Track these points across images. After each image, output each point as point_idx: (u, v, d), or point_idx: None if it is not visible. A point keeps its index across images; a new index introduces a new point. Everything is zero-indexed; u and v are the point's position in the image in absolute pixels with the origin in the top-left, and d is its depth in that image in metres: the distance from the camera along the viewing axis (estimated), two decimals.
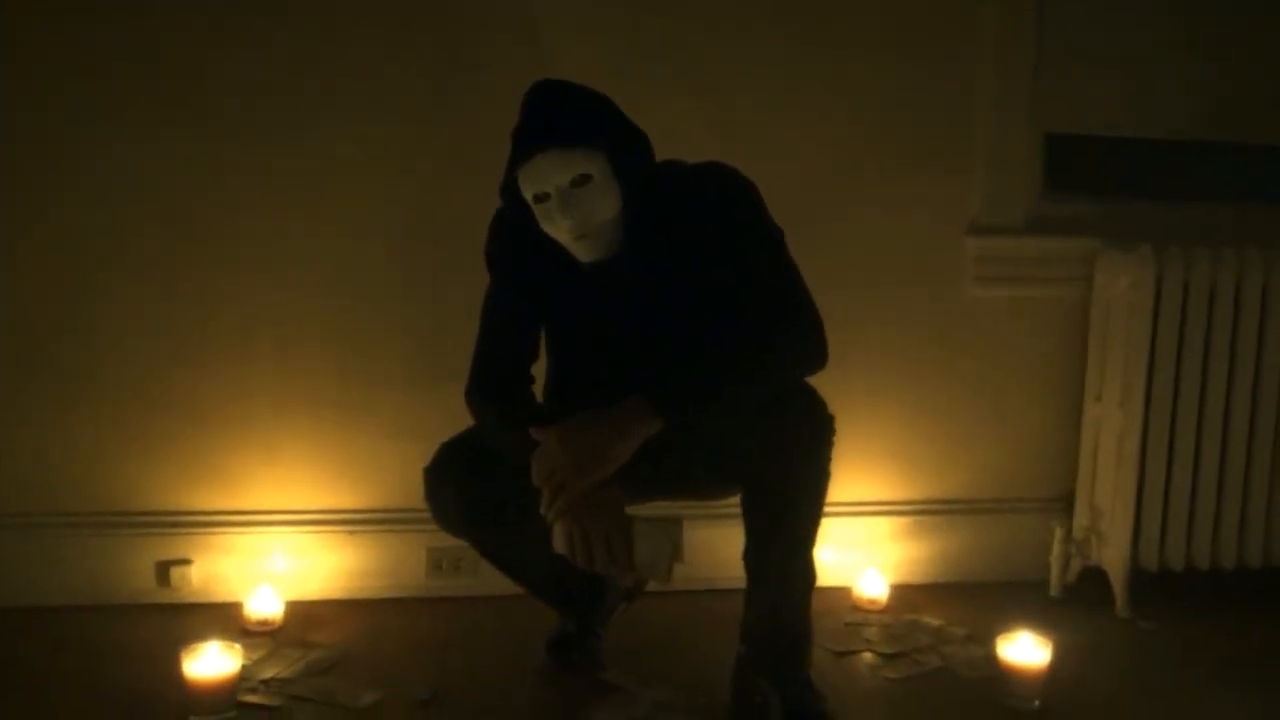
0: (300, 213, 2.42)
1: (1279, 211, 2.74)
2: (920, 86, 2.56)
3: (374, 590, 2.52)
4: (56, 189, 2.36)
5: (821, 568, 1.92)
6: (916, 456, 2.65)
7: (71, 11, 2.31)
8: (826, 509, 1.85)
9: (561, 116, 1.70)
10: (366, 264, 2.45)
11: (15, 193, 2.36)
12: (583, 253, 1.76)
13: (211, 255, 2.41)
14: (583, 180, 1.69)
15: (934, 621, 2.42)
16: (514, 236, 1.85)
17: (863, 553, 2.58)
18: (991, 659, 2.15)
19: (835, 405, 1.81)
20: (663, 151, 1.83)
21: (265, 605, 2.35)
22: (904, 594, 2.56)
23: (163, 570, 2.46)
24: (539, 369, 1.98)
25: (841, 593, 2.52)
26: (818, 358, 1.76)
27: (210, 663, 1.91)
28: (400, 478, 2.48)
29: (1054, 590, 2.60)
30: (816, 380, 1.81)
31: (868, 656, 2.26)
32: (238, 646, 1.96)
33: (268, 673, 2.10)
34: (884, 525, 2.64)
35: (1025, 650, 2.04)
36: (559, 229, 1.73)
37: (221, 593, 2.47)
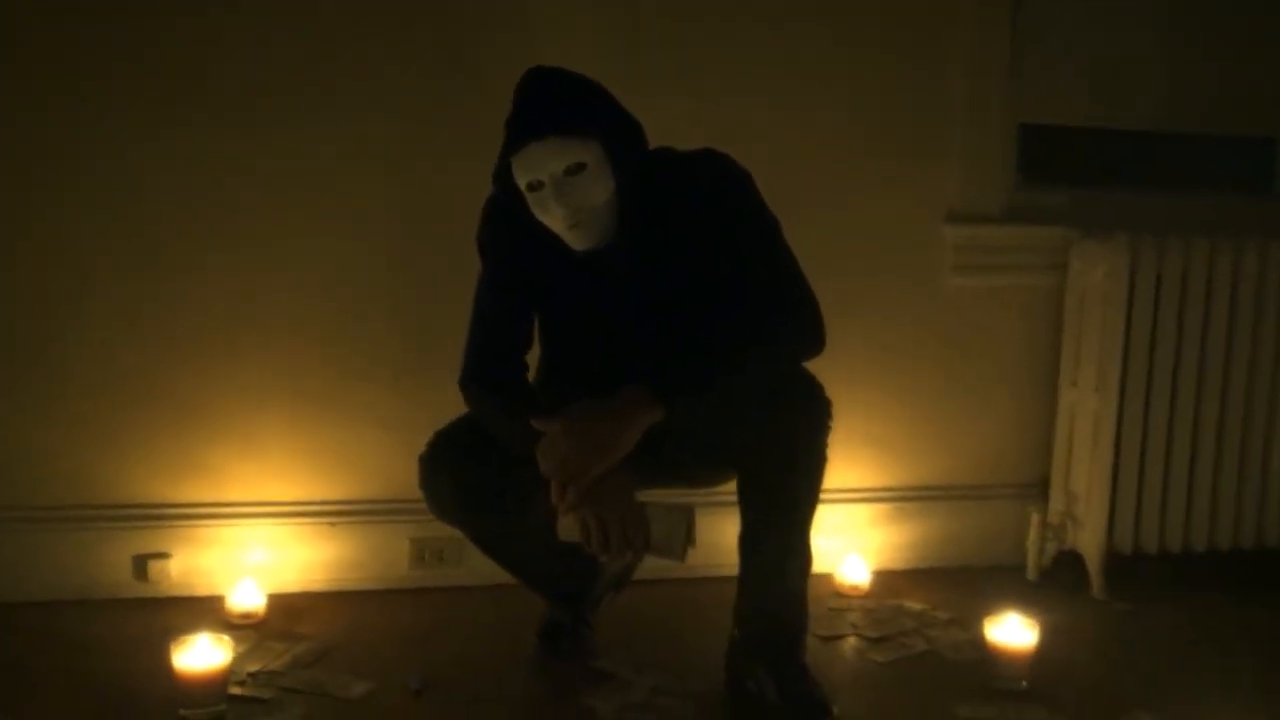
0: (282, 206, 2.39)
1: (1249, 201, 2.80)
2: (898, 78, 2.58)
3: (356, 582, 2.49)
4: (38, 186, 2.32)
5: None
6: (895, 443, 2.68)
7: (68, 11, 2.27)
8: None
9: (555, 104, 1.69)
10: (348, 256, 2.43)
11: None
12: (576, 241, 1.75)
13: (190, 248, 2.37)
14: (577, 169, 1.68)
15: (916, 606, 2.45)
16: (506, 223, 1.84)
17: (844, 539, 2.60)
18: (976, 642, 2.19)
19: None
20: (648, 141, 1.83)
21: (248, 598, 2.32)
22: (885, 579, 2.59)
23: (140, 564, 2.42)
24: (530, 358, 1.97)
25: (824, 579, 2.53)
26: (816, 344, 1.77)
27: (200, 655, 1.88)
28: (382, 469, 2.48)
29: (1030, 574, 2.64)
30: None
31: (854, 641, 2.28)
32: (228, 639, 1.93)
33: (254, 665, 2.08)
34: (864, 512, 2.66)
35: (1012, 632, 2.06)
36: (553, 217, 1.72)
37: (201, 586, 2.43)
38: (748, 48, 2.51)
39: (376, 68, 2.38)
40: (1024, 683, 2.04)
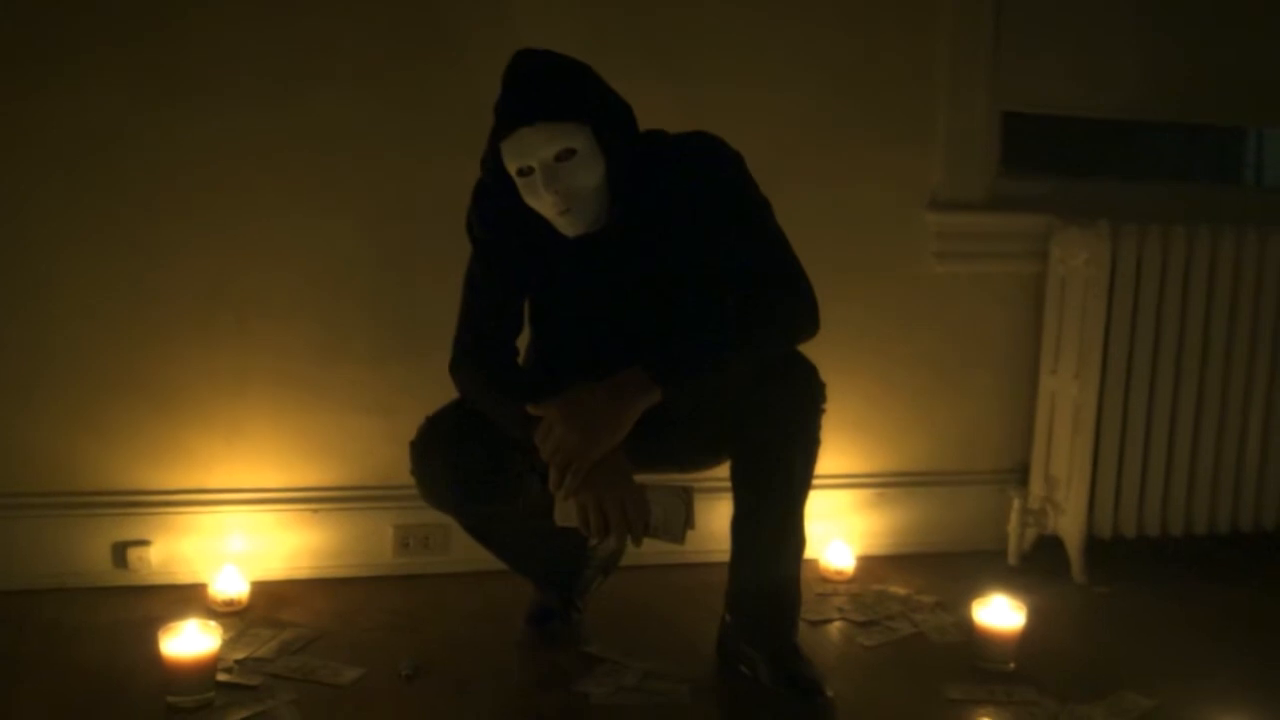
0: (263, 186, 2.36)
1: (1228, 190, 2.83)
2: (881, 63, 2.59)
3: (340, 569, 2.47)
4: (9, 162, 2.27)
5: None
6: (877, 429, 2.69)
7: None
8: None
9: (545, 89, 1.67)
10: (331, 237, 2.40)
11: None
12: (567, 227, 1.74)
13: (169, 229, 2.34)
14: (567, 154, 1.67)
15: (901, 590, 2.47)
16: (496, 206, 1.82)
17: (827, 524, 2.61)
18: (961, 624, 2.22)
19: None
20: None
21: (231, 585, 2.29)
22: (868, 565, 2.60)
23: (120, 552, 2.39)
24: (519, 341, 1.96)
25: (808, 564, 2.51)
26: (811, 325, 1.78)
27: (188, 641, 1.86)
28: (365, 455, 2.47)
29: (1011, 559, 2.67)
30: None
31: (841, 625, 2.30)
32: (216, 625, 1.91)
33: (240, 653, 2.06)
34: (846, 497, 2.68)
35: (1000, 614, 2.08)
36: (543, 203, 1.71)
37: (182, 574, 2.40)
38: (727, 33, 2.50)
39: (358, 46, 2.36)
40: (1011, 664, 2.06)
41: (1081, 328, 2.53)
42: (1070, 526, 2.57)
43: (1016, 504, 2.65)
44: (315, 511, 2.47)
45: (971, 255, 2.68)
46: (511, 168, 1.70)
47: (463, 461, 1.82)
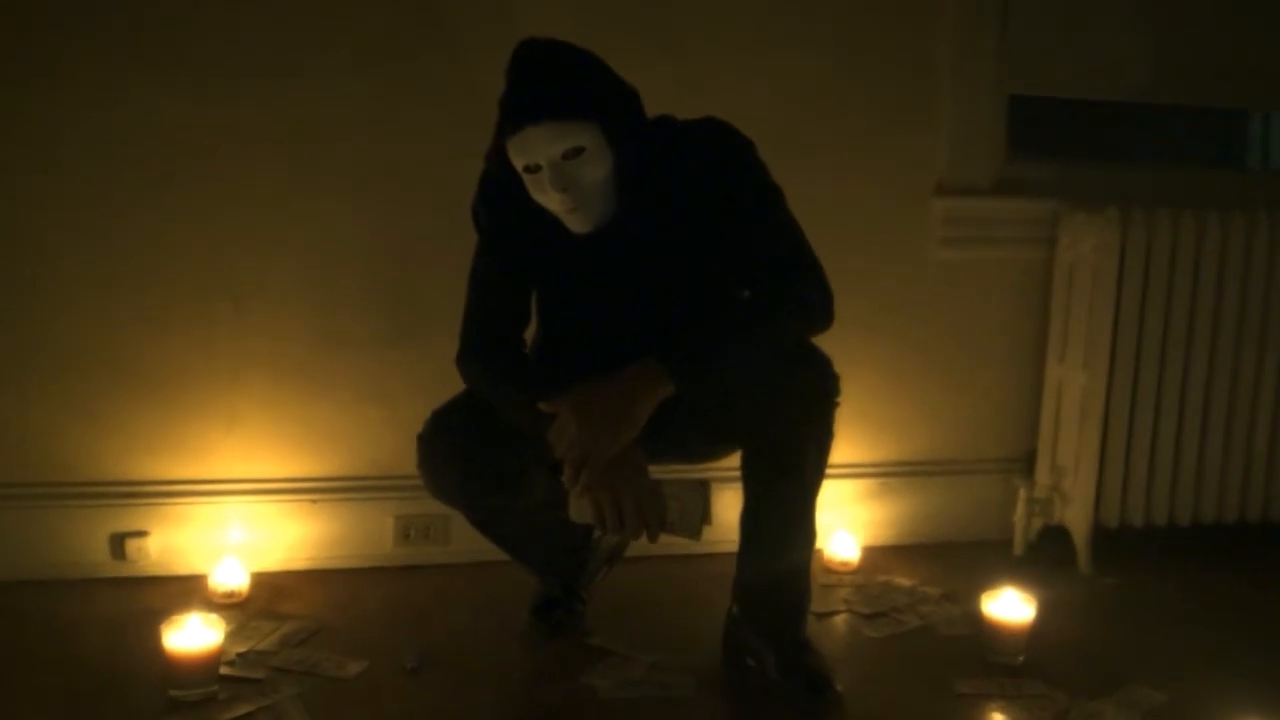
0: (261, 169, 2.32)
1: (1238, 175, 2.80)
2: (885, 46, 2.55)
3: (340, 560, 2.45)
4: (2, 153, 2.23)
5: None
6: (882, 418, 2.66)
7: None
8: None
9: (551, 86, 1.61)
10: (330, 223, 2.36)
11: None
12: (577, 224, 1.70)
13: (166, 213, 2.30)
14: (575, 153, 1.62)
15: (906, 582, 2.45)
16: (503, 195, 1.77)
17: (832, 515, 2.59)
18: (969, 616, 2.20)
19: None
20: None
21: (231, 577, 2.27)
22: (873, 555, 2.58)
23: (117, 543, 2.36)
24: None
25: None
26: (825, 317, 1.75)
27: (191, 635, 1.83)
28: (366, 444, 2.44)
29: (1017, 549, 2.64)
30: None
31: (847, 617, 2.27)
32: (219, 618, 1.89)
33: (242, 646, 2.03)
34: (851, 488, 2.65)
35: (1009, 606, 2.06)
36: (550, 200, 1.66)
37: (180, 565, 2.38)
38: (729, 15, 2.46)
39: (358, 36, 2.31)
40: (1021, 657, 2.04)
41: (1090, 315, 2.50)
42: (1077, 516, 2.55)
43: (1022, 494, 2.63)
44: (315, 502, 2.44)
45: (978, 241, 2.65)
46: (518, 164, 1.66)
47: (472, 456, 1.79)
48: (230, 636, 2.02)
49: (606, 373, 1.64)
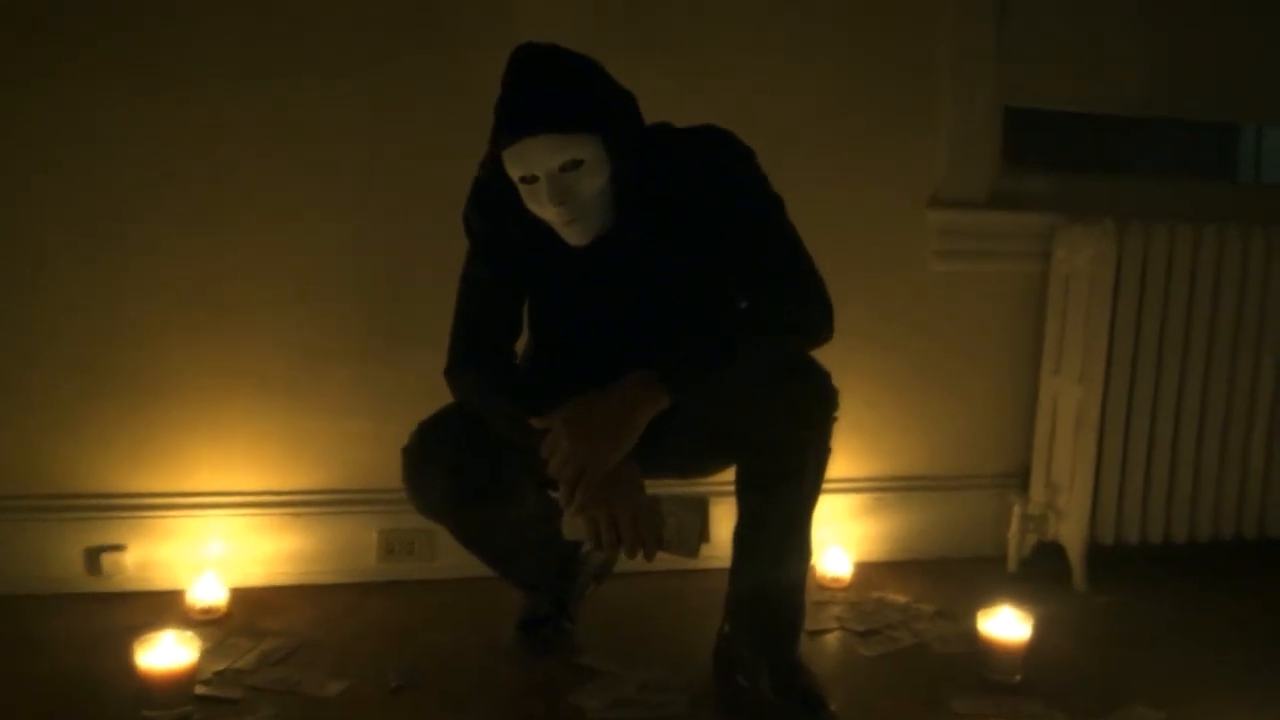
0: (245, 177, 2.28)
1: (1232, 187, 2.78)
2: (881, 57, 2.52)
3: (323, 575, 2.39)
4: None
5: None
6: (875, 432, 2.63)
7: None
8: None
9: (551, 97, 1.55)
10: (315, 231, 2.32)
11: None
12: (574, 236, 1.64)
13: (146, 220, 2.25)
14: (574, 165, 1.57)
15: (900, 598, 2.40)
16: (496, 202, 1.71)
17: (824, 530, 2.53)
18: (964, 634, 2.16)
19: None
20: None
21: (209, 592, 2.21)
22: (865, 571, 2.53)
23: (93, 557, 2.30)
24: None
25: None
26: (825, 330, 1.71)
27: (165, 653, 1.78)
28: (350, 457, 2.40)
29: (1011, 565, 2.61)
30: None
31: (840, 635, 2.23)
32: (193, 635, 1.83)
33: (220, 664, 1.98)
34: (843, 502, 2.61)
35: (1005, 625, 2.02)
36: (547, 211, 1.61)
37: (158, 580, 2.32)
38: (727, 26, 2.43)
39: (346, 40, 2.27)
40: (1018, 676, 2.00)
41: (1085, 328, 2.47)
42: (1072, 533, 2.51)
43: (1017, 510, 2.59)
44: (297, 516, 2.39)
45: (973, 254, 2.61)
46: (514, 174, 1.61)
47: (460, 469, 1.73)
48: (207, 654, 1.96)
49: (601, 384, 1.59)
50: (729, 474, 1.84)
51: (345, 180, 2.31)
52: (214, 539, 2.34)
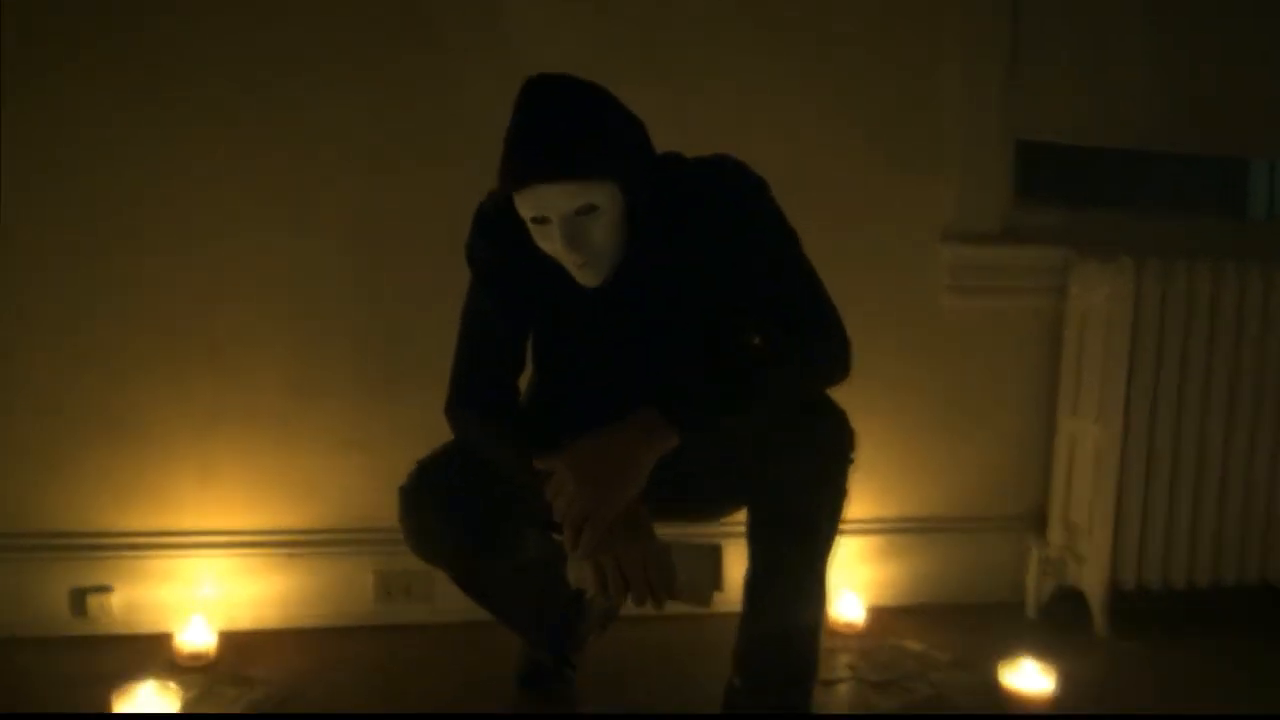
0: (237, 207, 2.23)
1: (1250, 224, 2.72)
2: (892, 91, 2.47)
3: (317, 618, 2.32)
4: None
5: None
6: (887, 473, 2.55)
7: None
8: None
9: (566, 142, 1.48)
10: (310, 263, 2.27)
11: None
12: (586, 279, 1.58)
13: (135, 250, 2.20)
14: (588, 210, 1.50)
15: (916, 646, 2.32)
16: (501, 234, 1.64)
17: (836, 574, 2.44)
18: (984, 685, 2.07)
19: None
20: None
21: (197, 637, 2.14)
22: (879, 616, 2.45)
23: (78, 598, 2.23)
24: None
25: None
26: (841, 369, 1.64)
27: (143, 704, 1.70)
28: (344, 495, 2.33)
29: (1030, 611, 2.52)
30: None
31: (853, 685, 2.14)
32: (174, 686, 1.75)
33: (204, 712, 1.89)
34: (855, 545, 2.53)
35: (1028, 678, 1.94)
36: (558, 253, 1.55)
37: (146, 623, 2.25)
38: (733, 57, 2.38)
39: (328, 56, 2.23)
40: None
41: (1103, 367, 2.40)
42: (1092, 578, 2.43)
43: (1035, 553, 2.52)
44: (290, 556, 2.32)
45: (986, 289, 2.55)
46: (524, 214, 1.54)
47: (460, 513, 1.66)
48: (192, 703, 1.89)
49: (608, 421, 1.52)
50: (740, 516, 1.76)
51: (339, 211, 2.26)
52: (203, 580, 2.27)
